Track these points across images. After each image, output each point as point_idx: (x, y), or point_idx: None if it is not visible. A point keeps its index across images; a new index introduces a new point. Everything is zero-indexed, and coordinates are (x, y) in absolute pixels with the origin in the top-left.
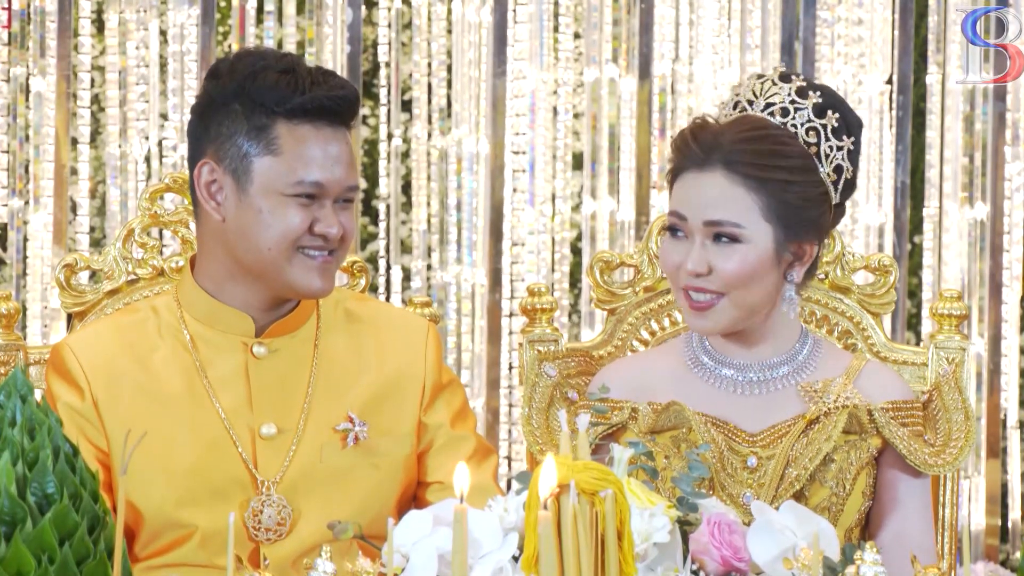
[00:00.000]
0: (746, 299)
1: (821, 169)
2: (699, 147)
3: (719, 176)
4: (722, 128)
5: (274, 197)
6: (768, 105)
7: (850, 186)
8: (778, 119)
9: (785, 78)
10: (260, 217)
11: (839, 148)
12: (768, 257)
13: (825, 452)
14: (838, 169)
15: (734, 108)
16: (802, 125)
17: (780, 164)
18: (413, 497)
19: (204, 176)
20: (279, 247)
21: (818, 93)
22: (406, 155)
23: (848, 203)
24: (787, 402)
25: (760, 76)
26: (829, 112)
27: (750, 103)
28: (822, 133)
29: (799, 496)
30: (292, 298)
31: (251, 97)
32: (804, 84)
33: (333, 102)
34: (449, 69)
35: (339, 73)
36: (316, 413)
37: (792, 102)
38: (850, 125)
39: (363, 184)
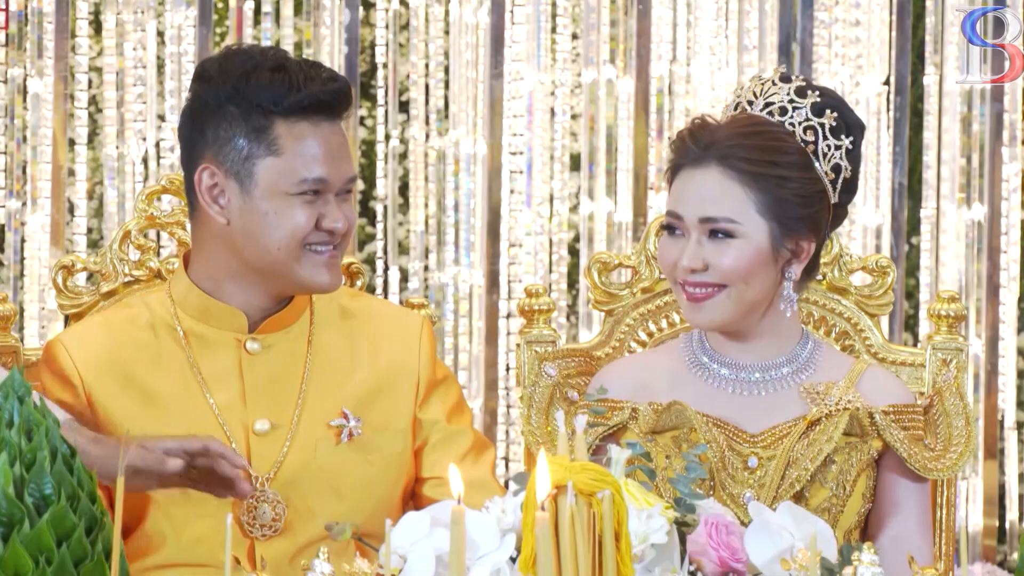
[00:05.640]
0: (745, 294)
1: (818, 167)
2: (695, 144)
3: (714, 172)
4: (719, 126)
5: (280, 198)
6: (767, 104)
7: (850, 186)
8: (776, 118)
9: (785, 79)
10: (267, 219)
11: (837, 147)
12: (764, 253)
13: (826, 453)
14: (836, 168)
15: (735, 109)
16: (800, 123)
17: (776, 160)
18: (412, 493)
19: (205, 181)
20: (288, 247)
21: (817, 93)
22: (404, 156)
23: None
24: (788, 403)
25: (761, 77)
26: (827, 111)
27: (750, 103)
28: (820, 132)
29: (799, 497)
30: (300, 294)
31: (247, 98)
32: (804, 84)
33: (329, 96)
34: (447, 70)
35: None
36: (310, 409)
37: (791, 101)
38: (850, 126)
39: (361, 185)
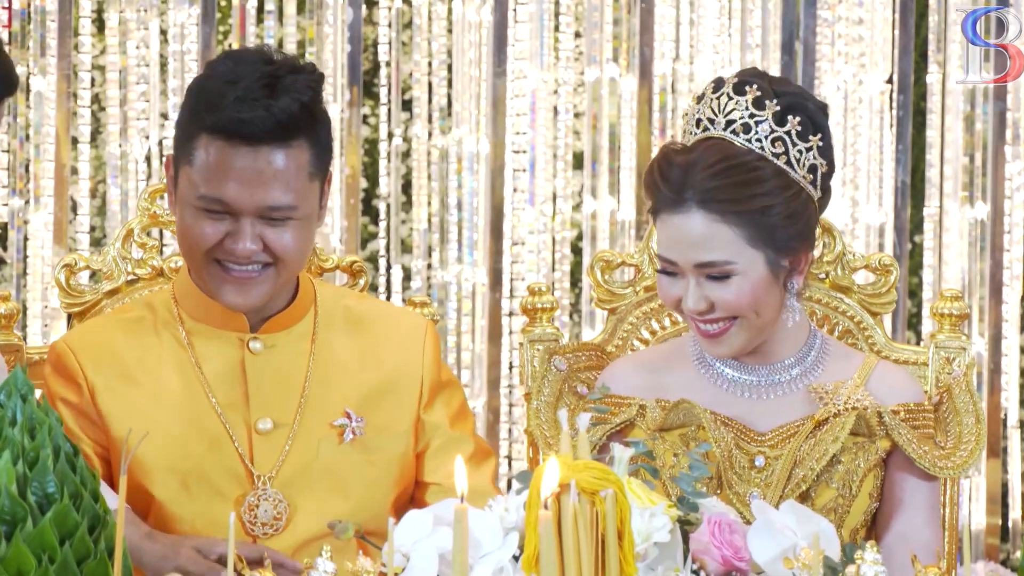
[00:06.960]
0: (756, 321)
1: (795, 175)
2: (669, 189)
3: (697, 217)
4: (688, 161)
5: (187, 206)
6: (729, 123)
7: (828, 176)
8: (741, 137)
9: (739, 90)
10: (181, 223)
11: (808, 149)
12: (765, 279)
13: (832, 453)
14: (812, 168)
15: (696, 126)
16: (766, 137)
17: (755, 192)
18: (411, 497)
19: (170, 169)
20: (192, 255)
21: (775, 101)
22: (406, 154)
23: (848, 203)
24: (796, 403)
25: (717, 88)
26: (789, 118)
27: (711, 121)
28: (787, 140)
29: (805, 496)
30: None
31: (197, 102)
32: (759, 94)
33: (239, 125)
34: (449, 68)
35: (339, 73)
36: (312, 408)
37: (751, 116)
38: (815, 122)
39: (363, 183)
